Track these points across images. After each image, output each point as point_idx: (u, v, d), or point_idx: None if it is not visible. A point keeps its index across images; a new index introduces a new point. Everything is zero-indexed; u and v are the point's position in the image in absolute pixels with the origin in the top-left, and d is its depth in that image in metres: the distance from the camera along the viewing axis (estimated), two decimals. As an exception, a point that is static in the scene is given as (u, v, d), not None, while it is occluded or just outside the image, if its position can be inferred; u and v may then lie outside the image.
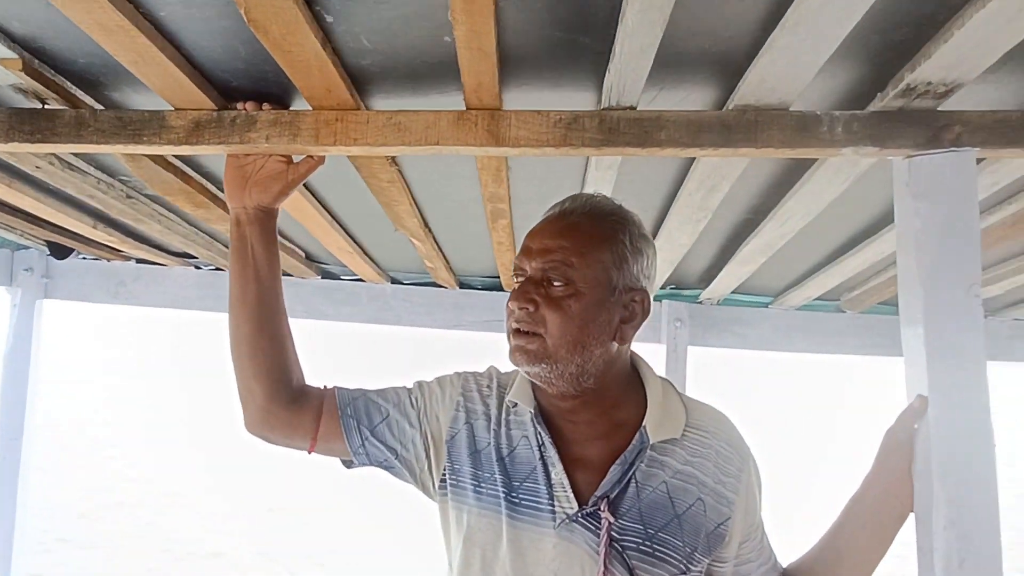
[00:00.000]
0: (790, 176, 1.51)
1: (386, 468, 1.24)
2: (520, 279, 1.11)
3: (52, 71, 1.19)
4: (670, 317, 2.56)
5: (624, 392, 1.15)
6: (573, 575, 1.05)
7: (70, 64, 1.17)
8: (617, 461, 1.09)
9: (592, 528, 1.06)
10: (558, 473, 1.09)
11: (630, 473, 1.08)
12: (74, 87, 1.24)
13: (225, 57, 1.11)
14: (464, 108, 1.16)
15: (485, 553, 1.11)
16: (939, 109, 1.11)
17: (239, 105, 1.19)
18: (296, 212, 1.80)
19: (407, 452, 1.20)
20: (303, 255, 2.42)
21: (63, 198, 1.83)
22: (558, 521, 1.07)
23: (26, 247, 2.52)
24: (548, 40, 1.04)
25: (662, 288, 2.56)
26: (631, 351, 1.20)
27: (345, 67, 1.10)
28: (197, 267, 2.59)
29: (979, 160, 1.36)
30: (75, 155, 1.57)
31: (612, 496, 1.07)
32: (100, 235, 2.08)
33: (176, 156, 1.53)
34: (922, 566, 1.10)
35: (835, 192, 1.47)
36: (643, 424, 1.11)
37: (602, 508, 1.06)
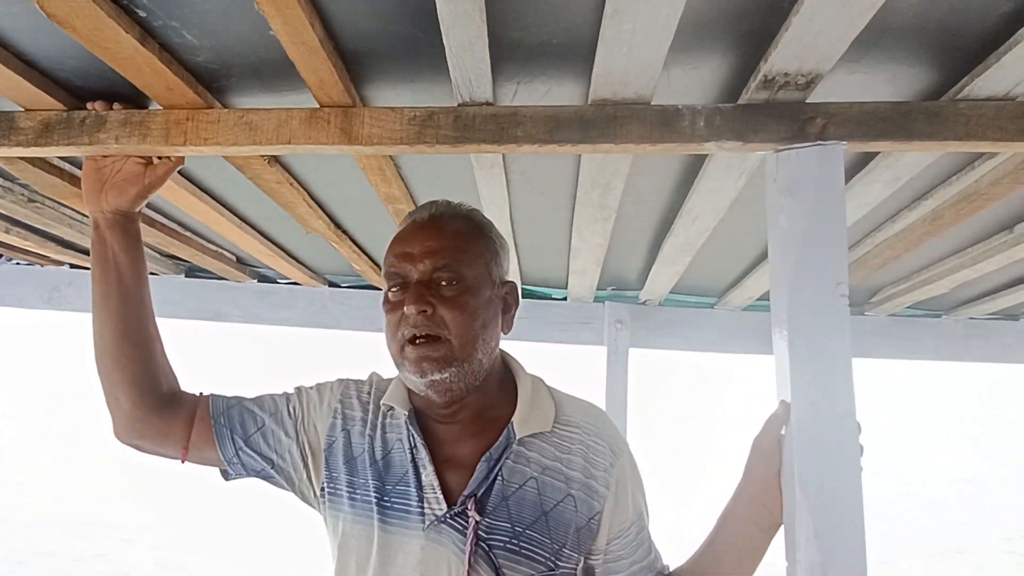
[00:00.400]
0: (692, 173, 1.47)
1: (264, 478, 1.21)
2: (396, 287, 1.08)
3: None
4: (611, 319, 2.52)
5: (497, 388, 1.14)
6: (439, 573, 1.03)
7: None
8: (483, 458, 1.07)
9: (460, 528, 1.04)
10: (428, 475, 1.08)
11: (496, 470, 1.07)
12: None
13: (61, 56, 1.07)
14: (317, 107, 1.12)
15: (359, 559, 1.09)
16: (807, 102, 1.07)
17: (89, 105, 1.15)
18: (201, 216, 1.76)
19: (283, 462, 1.18)
20: (233, 258, 2.39)
21: (-34, 203, 1.79)
22: (427, 523, 1.06)
23: (-44, 253, 2.49)
24: (388, 35, 1.01)
25: (602, 289, 2.52)
26: (501, 349, 1.18)
27: (184, 65, 1.06)
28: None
29: (872, 155, 1.32)
30: (-39, 159, 1.53)
31: (479, 494, 1.06)
32: (15, 240, 2.05)
33: (61, 158, 1.49)
34: (790, 578, 1.05)
35: (734, 188, 1.43)
36: (511, 421, 1.09)
37: (469, 507, 1.04)
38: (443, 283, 1.05)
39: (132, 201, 1.19)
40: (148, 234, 1.99)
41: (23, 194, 1.72)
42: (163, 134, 1.13)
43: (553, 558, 1.05)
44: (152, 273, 2.57)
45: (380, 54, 1.06)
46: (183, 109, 1.13)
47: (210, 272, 2.53)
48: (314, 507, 1.21)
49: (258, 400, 1.23)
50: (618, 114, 1.07)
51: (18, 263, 2.54)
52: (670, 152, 1.09)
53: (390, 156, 1.41)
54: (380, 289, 2.58)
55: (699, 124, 1.07)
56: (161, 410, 1.17)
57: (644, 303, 2.57)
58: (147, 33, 0.97)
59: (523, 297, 2.61)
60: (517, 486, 1.06)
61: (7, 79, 1.06)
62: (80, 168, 1.55)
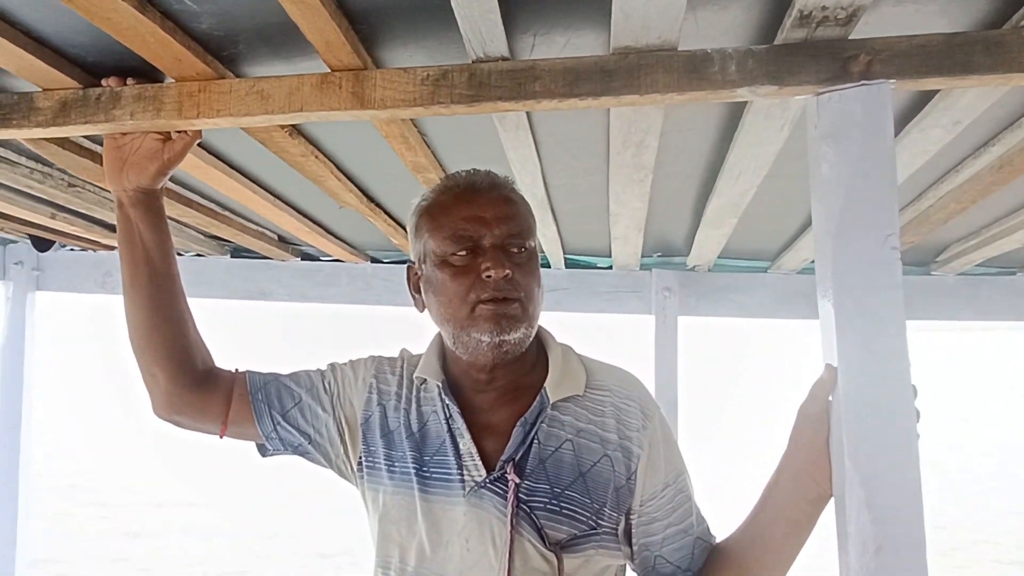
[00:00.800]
0: (731, 127, 1.39)
1: (301, 454, 1.24)
2: (466, 251, 1.08)
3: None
4: (658, 286, 2.44)
5: (532, 357, 1.16)
6: (484, 540, 1.05)
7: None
8: (519, 423, 1.09)
9: (500, 492, 1.06)
10: (466, 443, 1.10)
11: (532, 434, 1.08)
12: (-52, 74, 1.21)
13: (71, 32, 1.05)
14: (329, 71, 1.08)
15: (401, 529, 1.12)
16: (849, 38, 0.98)
17: (103, 82, 1.14)
18: (236, 194, 1.75)
19: (320, 437, 1.20)
20: (275, 237, 2.39)
21: (12, 189, 1.83)
22: (467, 489, 1.08)
23: (14, 241, 2.56)
24: (394, -11, 0.96)
25: (648, 256, 2.44)
26: None
27: (189, 33, 1.03)
28: (179, 253, 2.59)
29: (928, 96, 1.21)
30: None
31: (517, 458, 1.07)
32: (63, 225, 2.09)
33: (89, 138, 1.50)
34: (841, 554, 0.98)
35: (776, 140, 1.34)
36: (544, 386, 1.11)
37: (508, 471, 1.06)
38: (514, 249, 1.08)
39: (153, 178, 1.19)
40: (189, 215, 2.00)
41: (63, 179, 1.74)
42: (176, 107, 1.11)
43: (595, 517, 1.06)
44: (198, 254, 2.61)
45: (387, 11, 1.01)
46: (194, 81, 1.11)
47: (254, 252, 2.55)
48: (351, 482, 1.22)
49: (294, 376, 1.24)
50: (642, 62, 1.00)
51: (72, 249, 2.61)
52: (700, 101, 1.02)
53: (413, 123, 1.37)
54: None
55: (730, 69, 0.99)
56: (198, 386, 1.19)
57: (693, 269, 2.47)
58: (147, 1, 0.94)
59: (567, 267, 2.55)
60: (553, 449, 1.08)
61: (20, 58, 1.06)
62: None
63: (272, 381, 1.23)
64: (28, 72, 1.11)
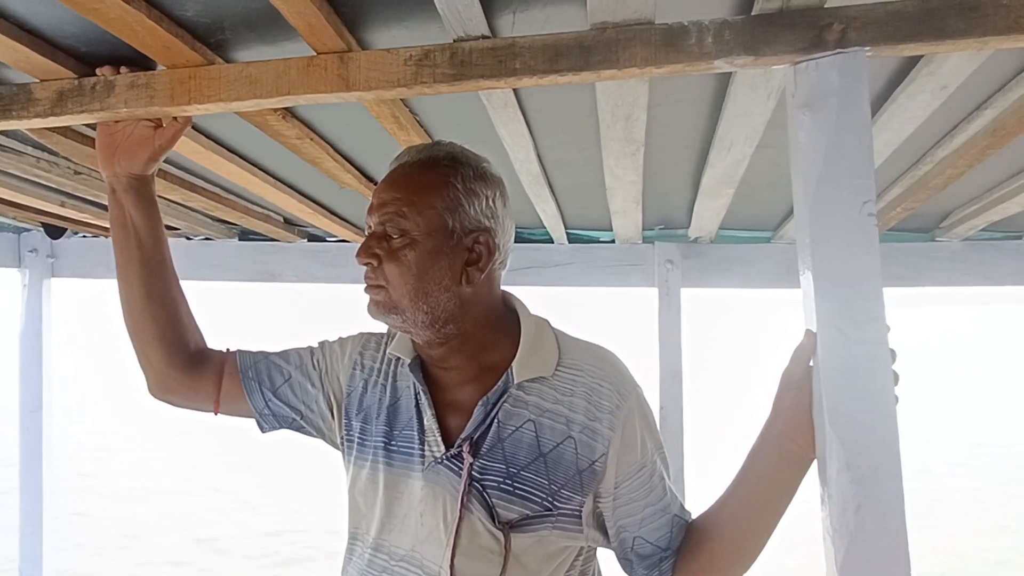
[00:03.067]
0: (719, 99, 1.39)
1: (295, 428, 1.28)
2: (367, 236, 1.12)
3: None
4: (661, 258, 2.45)
5: (495, 335, 1.14)
6: (436, 514, 1.07)
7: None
8: (480, 402, 1.09)
9: (455, 469, 1.08)
10: (429, 419, 1.12)
11: (493, 413, 1.09)
12: (-50, 67, 1.24)
13: (61, 23, 1.08)
14: (314, 54, 1.10)
15: (366, 501, 1.16)
16: (825, 7, 0.98)
17: (97, 71, 1.17)
18: (237, 178, 1.79)
19: (311, 412, 1.25)
20: (282, 219, 2.43)
21: (21, 179, 1.87)
22: (426, 464, 1.10)
23: (28, 229, 2.62)
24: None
25: (650, 229, 2.45)
26: (505, 292, 1.20)
27: (175, 21, 1.06)
28: (188, 238, 2.64)
29: (913, 62, 1.22)
30: (5, 135, 1.59)
31: (476, 437, 1.08)
32: (72, 213, 2.14)
33: (89, 126, 1.53)
34: (823, 514, 1.01)
35: (764, 111, 1.34)
36: (511, 365, 1.10)
37: (464, 449, 1.07)
38: (392, 236, 1.07)
39: (144, 164, 1.22)
40: (194, 199, 2.04)
41: (68, 167, 1.78)
42: (168, 94, 1.14)
43: (550, 498, 1.06)
44: (206, 238, 2.66)
45: (368, -7, 1.03)
46: (185, 68, 1.13)
47: (262, 234, 2.59)
48: (342, 454, 1.26)
49: (283, 354, 1.28)
50: (620, 36, 1.01)
51: (84, 236, 2.66)
52: (678, 74, 1.03)
53: (403, 103, 1.39)
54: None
55: (707, 41, 1.00)
56: (190, 367, 1.23)
57: (695, 241, 2.48)
58: (129, -10, 0.96)
59: (569, 242, 2.57)
60: (513, 428, 1.08)
61: (15, 51, 1.08)
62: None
63: (262, 360, 1.26)
64: (24, 64, 1.14)
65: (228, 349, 1.30)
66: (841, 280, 0.97)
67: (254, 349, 1.31)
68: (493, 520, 1.04)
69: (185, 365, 1.23)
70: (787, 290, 2.58)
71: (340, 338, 1.29)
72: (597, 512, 1.11)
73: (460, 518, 1.04)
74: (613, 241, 2.55)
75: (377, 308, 1.09)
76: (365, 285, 1.10)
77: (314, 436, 1.28)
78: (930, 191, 1.89)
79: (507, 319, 1.16)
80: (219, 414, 1.28)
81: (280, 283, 2.62)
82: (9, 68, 1.22)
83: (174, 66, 1.14)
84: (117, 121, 1.21)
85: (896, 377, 0.98)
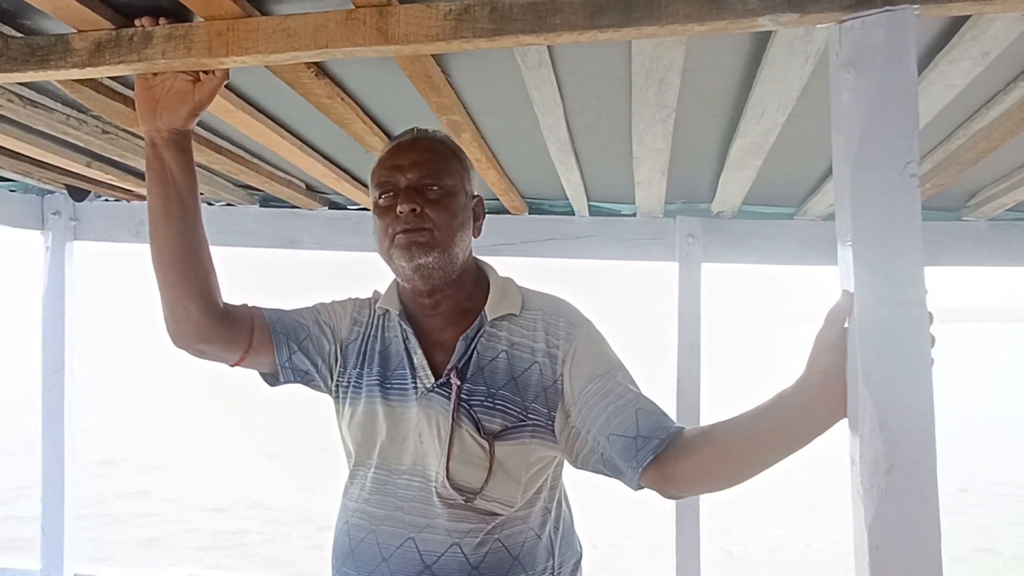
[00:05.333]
0: (755, 64, 1.38)
1: (306, 381, 1.41)
2: (389, 194, 1.28)
3: (-40, 1, 1.20)
4: (682, 232, 2.44)
5: (474, 285, 1.35)
6: (432, 432, 1.26)
7: (-27, -8, 1.18)
8: (461, 338, 1.29)
9: (445, 395, 1.26)
10: (419, 357, 1.30)
11: (472, 347, 1.29)
12: (-12, 17, 1.24)
13: (102, -30, 1.08)
14: (353, 7, 1.09)
15: (367, 431, 1.32)
16: (874, -37, 0.97)
17: (136, 21, 1.17)
18: (265, 139, 1.79)
19: (323, 364, 1.39)
20: (303, 186, 2.43)
21: (49, 137, 1.88)
22: (419, 394, 1.28)
23: (52, 192, 2.63)
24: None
25: (672, 202, 2.44)
26: (475, 256, 1.39)
27: (217, -30, 1.06)
28: (209, 203, 2.64)
29: (962, 20, 1.20)
30: (36, 91, 1.60)
31: (460, 367, 1.28)
32: (98, 174, 2.14)
33: (121, 82, 1.54)
34: (853, 476, 1.01)
35: (800, 75, 1.33)
36: (484, 308, 1.31)
37: (452, 377, 1.26)
38: (428, 189, 1.26)
39: (185, 119, 1.23)
40: (219, 162, 2.04)
41: (97, 126, 1.78)
42: (206, 46, 1.14)
43: (523, 412, 1.25)
44: (228, 204, 2.66)
45: (411, -55, 1.02)
46: (223, 20, 1.13)
47: (283, 201, 2.60)
48: (331, 397, 1.41)
49: (299, 312, 1.42)
50: (663, -8, 1.00)
51: (106, 199, 2.67)
52: (721, 31, 1.02)
53: (437, 63, 1.38)
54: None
55: (751, -3, 0.99)
56: (225, 318, 1.31)
57: (717, 215, 2.47)
58: (175, -64, 0.96)
59: (590, 214, 2.56)
60: (491, 358, 1.28)
61: (55, -1, 1.09)
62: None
63: (285, 315, 1.39)
64: (63, 13, 1.14)
65: (246, 304, 1.38)
66: (881, 241, 0.96)
67: (270, 306, 1.41)
68: (479, 432, 1.23)
69: (221, 316, 1.30)
70: (808, 267, 2.57)
71: (335, 300, 1.45)
72: (571, 427, 1.24)
73: (452, 432, 1.23)
74: (635, 214, 2.54)
75: (419, 248, 1.23)
76: (403, 229, 1.24)
77: (319, 388, 1.42)
78: (961, 166, 1.87)
79: (479, 276, 1.37)
80: (240, 366, 1.37)
81: (300, 250, 2.63)
82: (48, 18, 1.22)
83: (212, 18, 1.14)
84: (155, 74, 1.21)
85: (932, 340, 0.98)
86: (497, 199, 2.42)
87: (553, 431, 1.26)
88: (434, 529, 1.23)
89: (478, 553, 1.22)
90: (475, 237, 1.35)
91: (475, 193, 1.36)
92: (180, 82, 1.21)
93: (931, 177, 1.99)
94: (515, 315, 1.31)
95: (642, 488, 1.20)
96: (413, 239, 1.23)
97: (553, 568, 1.31)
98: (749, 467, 1.12)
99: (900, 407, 0.96)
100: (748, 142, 1.70)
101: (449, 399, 1.25)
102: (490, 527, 1.24)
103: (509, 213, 2.58)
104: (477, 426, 1.23)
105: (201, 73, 1.22)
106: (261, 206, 2.65)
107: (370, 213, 2.59)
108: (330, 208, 2.63)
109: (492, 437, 1.23)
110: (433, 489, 1.24)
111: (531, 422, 1.25)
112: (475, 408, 1.24)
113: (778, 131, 1.62)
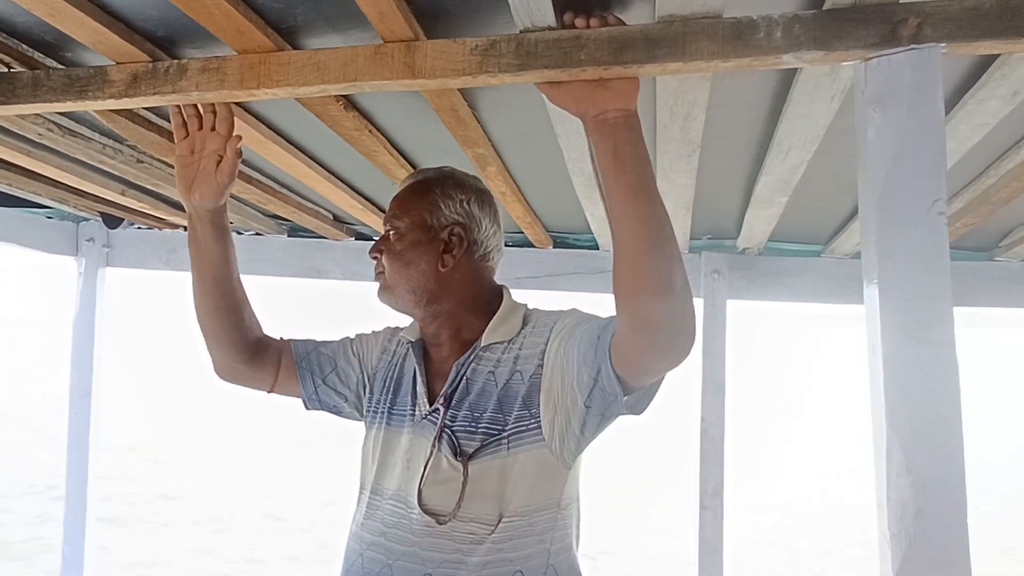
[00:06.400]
0: (780, 100, 1.38)
1: (335, 413, 1.50)
2: None
3: (5, 35, 1.24)
4: (707, 269, 2.42)
5: (476, 316, 1.33)
6: (418, 457, 1.26)
7: (18, 27, 1.22)
8: (454, 365, 1.30)
9: (434, 421, 1.27)
10: (420, 385, 1.33)
11: (463, 372, 1.29)
12: (31, 49, 1.29)
13: (143, 5, 1.12)
14: (382, 42, 1.12)
15: (369, 455, 1.37)
16: (899, 1, 0.97)
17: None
18: (293, 170, 1.82)
19: (351, 395, 1.47)
20: (330, 216, 2.46)
21: (86, 166, 1.93)
22: (415, 421, 1.31)
23: (87, 219, 2.69)
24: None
25: (698, 239, 2.43)
26: (503, 287, 1.39)
27: (250, 5, 1.09)
28: (239, 232, 2.68)
29: (992, 58, 1.19)
30: (75, 120, 1.65)
31: (448, 393, 1.28)
32: (132, 202, 2.19)
33: (156, 114, 1.58)
34: (881, 520, 0.99)
35: (826, 112, 1.33)
36: (481, 337, 1.31)
37: (440, 403, 1.27)
38: (388, 234, 1.34)
39: (213, 197, 1.35)
40: (249, 192, 2.08)
41: (132, 155, 1.83)
42: (238, 78, 1.17)
43: (502, 427, 1.22)
44: (257, 233, 2.70)
45: (439, -17, 1.04)
46: (255, 53, 1.16)
47: (310, 231, 2.63)
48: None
49: (329, 344, 1.50)
50: (687, 30, 1.01)
51: (139, 227, 2.73)
52: (745, 68, 1.02)
53: (463, 97, 1.40)
54: (472, 244, 2.60)
55: (776, 35, 0.99)
56: (252, 357, 1.45)
57: (743, 252, 2.46)
58: (212, -27, 0.99)
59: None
60: (479, 383, 1.27)
61: (96, 32, 1.12)
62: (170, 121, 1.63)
63: (313, 350, 1.48)
64: (103, 45, 1.18)
65: (282, 338, 1.51)
66: (908, 279, 0.95)
67: (304, 338, 1.52)
68: (455, 455, 1.22)
69: (248, 356, 1.44)
70: (835, 305, 2.54)
71: (373, 330, 1.52)
72: (553, 397, 1.19)
73: (430, 456, 1.23)
74: (659, 250, 2.53)
75: (379, 291, 1.35)
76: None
77: (352, 417, 1.48)
78: (992, 206, 1.85)
79: (494, 306, 1.34)
80: (272, 393, 1.51)
81: (326, 280, 2.65)
82: (87, 50, 1.26)
83: (245, 51, 1.17)
84: (192, 152, 1.32)
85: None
86: (522, 232, 2.43)
87: (540, 429, 1.19)
88: (410, 557, 1.20)
89: None
90: (443, 267, 1.29)
91: (453, 221, 1.31)
92: (208, 161, 1.32)
93: (961, 216, 1.96)
94: (512, 339, 1.28)
95: (627, 395, 1.12)
96: (378, 282, 1.36)
97: None
98: (624, 224, 1.06)
99: (929, 450, 0.94)
100: (774, 178, 1.69)
101: (436, 425, 1.25)
102: (467, 559, 1.17)
103: (534, 246, 2.58)
104: (454, 449, 1.21)
105: (220, 154, 1.31)
106: (289, 236, 2.69)
107: (395, 244, 2.64)
108: (356, 239, 2.65)
109: (467, 458, 1.20)
110: (412, 515, 1.22)
111: (509, 431, 1.20)
112: (457, 432, 1.23)
113: (804, 168, 1.61)
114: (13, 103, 1.27)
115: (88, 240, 2.69)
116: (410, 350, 1.38)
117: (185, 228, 2.72)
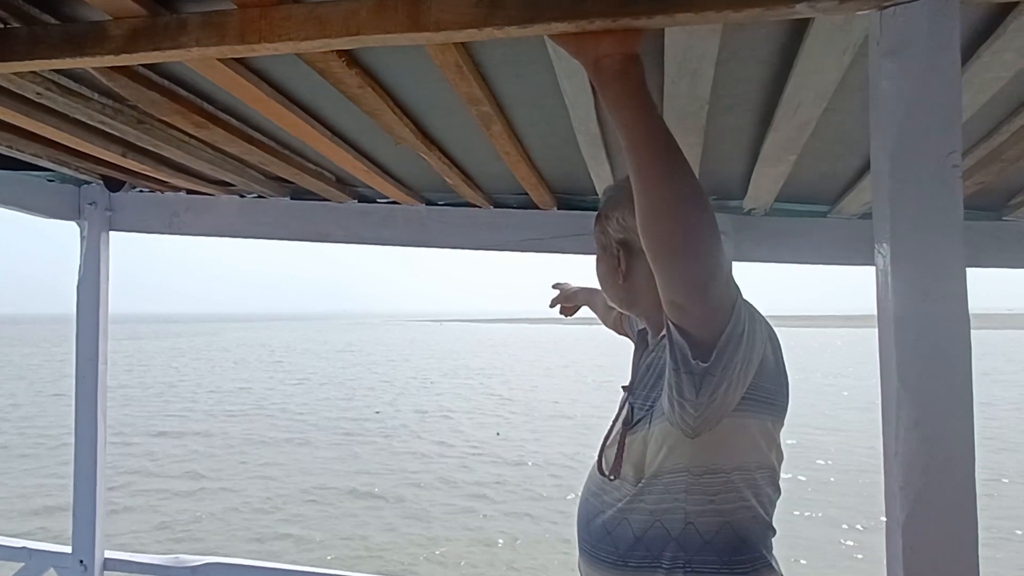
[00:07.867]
0: (791, 55, 1.35)
1: None
2: None
3: (1, -11, 1.22)
4: (713, 230, 2.40)
5: (660, 310, 1.28)
6: (615, 429, 1.47)
7: (14, -20, 1.19)
8: (644, 354, 1.52)
9: (626, 399, 1.51)
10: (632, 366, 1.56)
11: (646, 360, 1.49)
12: (27, 5, 1.26)
13: (139, -43, 1.09)
14: (385, -6, 1.09)
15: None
16: (916, -51, 0.94)
17: None
18: (297, 130, 1.80)
19: None
20: (333, 178, 2.44)
21: (86, 127, 1.91)
22: (626, 404, 1.50)
23: (89, 182, 2.67)
24: (449, -95, 0.96)
25: (703, 199, 2.40)
26: None
27: (251, -44, 1.06)
28: (241, 195, 2.67)
29: (1008, 8, 1.16)
30: (73, 79, 1.62)
31: (637, 377, 1.50)
32: (133, 164, 2.17)
33: (154, 71, 1.55)
34: (887, 474, 0.99)
35: (837, 67, 1.30)
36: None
37: (627, 390, 1.52)
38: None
39: None
40: (252, 153, 2.05)
41: (132, 115, 1.80)
42: (239, 33, 1.14)
43: (652, 404, 1.38)
44: (259, 196, 2.69)
45: (443, -69, 1.02)
46: (256, 7, 1.14)
47: (313, 194, 2.61)
48: None
49: None
50: (698, -22, 0.99)
51: (141, 190, 2.71)
52: (757, 19, 1.00)
53: (467, 52, 1.38)
54: (476, 206, 2.58)
55: (789, -17, 0.97)
56: None
57: (749, 212, 2.43)
58: (210, -79, 0.96)
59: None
60: (651, 369, 1.45)
61: (92, -15, 1.10)
62: (174, 80, 1.61)
63: None
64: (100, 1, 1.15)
65: None
66: (921, 232, 0.94)
67: None
68: (624, 426, 1.42)
69: None
70: (841, 267, 2.52)
71: None
72: (665, 375, 1.25)
73: (613, 426, 1.48)
74: (664, 211, 2.51)
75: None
76: None
77: None
78: (1003, 164, 1.82)
79: None
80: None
81: (330, 243, 2.64)
82: (84, 5, 1.23)
83: (245, 5, 1.14)
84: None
85: (971, 337, 0.95)
86: (526, 194, 2.41)
87: (682, 390, 1.20)
88: (596, 498, 1.45)
89: (612, 522, 1.38)
90: (623, 279, 1.49)
91: (617, 239, 1.49)
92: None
93: (972, 174, 1.94)
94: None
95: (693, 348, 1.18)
96: None
97: (684, 561, 1.28)
98: (631, 170, 1.09)
99: (938, 405, 0.93)
100: (783, 136, 1.67)
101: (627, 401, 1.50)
102: (621, 505, 1.37)
103: (538, 208, 2.57)
104: (626, 422, 1.43)
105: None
106: (292, 199, 2.67)
107: (399, 205, 2.62)
108: (360, 201, 2.63)
109: (628, 429, 1.41)
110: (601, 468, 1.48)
111: (655, 407, 1.37)
112: (634, 411, 1.44)
113: (813, 125, 1.59)
114: (10, 60, 1.25)
115: (90, 204, 2.68)
116: (639, 336, 1.62)
117: (187, 191, 2.71)
